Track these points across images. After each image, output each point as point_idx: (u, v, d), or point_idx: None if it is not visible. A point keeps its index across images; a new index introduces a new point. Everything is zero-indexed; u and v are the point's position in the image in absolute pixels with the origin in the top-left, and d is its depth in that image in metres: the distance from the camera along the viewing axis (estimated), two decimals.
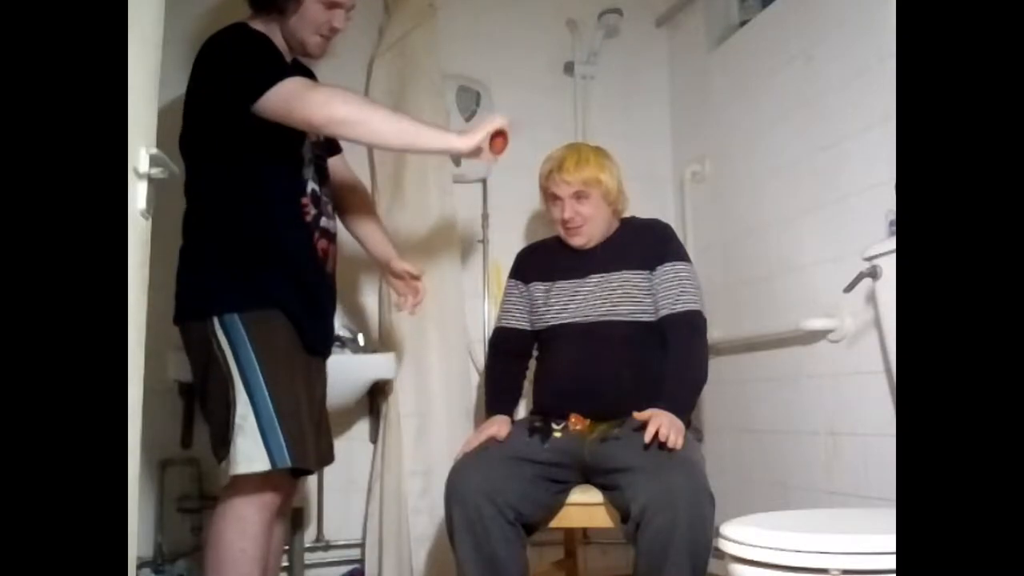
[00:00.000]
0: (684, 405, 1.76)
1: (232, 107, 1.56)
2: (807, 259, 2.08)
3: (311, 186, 1.70)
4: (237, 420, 1.51)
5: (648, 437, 1.61)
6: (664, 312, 1.89)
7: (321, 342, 1.74)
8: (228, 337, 1.55)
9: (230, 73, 1.57)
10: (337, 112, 1.52)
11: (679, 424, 1.67)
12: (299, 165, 1.68)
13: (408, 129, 1.58)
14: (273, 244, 1.61)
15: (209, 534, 1.58)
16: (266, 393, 1.52)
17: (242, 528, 1.54)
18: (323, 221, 1.71)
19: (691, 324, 1.88)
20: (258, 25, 1.68)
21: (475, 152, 1.60)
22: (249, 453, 1.50)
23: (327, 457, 1.77)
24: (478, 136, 1.58)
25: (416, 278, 1.92)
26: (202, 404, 1.67)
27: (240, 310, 1.56)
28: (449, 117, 2.44)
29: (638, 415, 1.68)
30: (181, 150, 1.66)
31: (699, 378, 1.86)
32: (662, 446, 1.61)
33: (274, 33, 1.68)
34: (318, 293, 1.71)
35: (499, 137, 1.61)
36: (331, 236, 1.75)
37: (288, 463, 1.51)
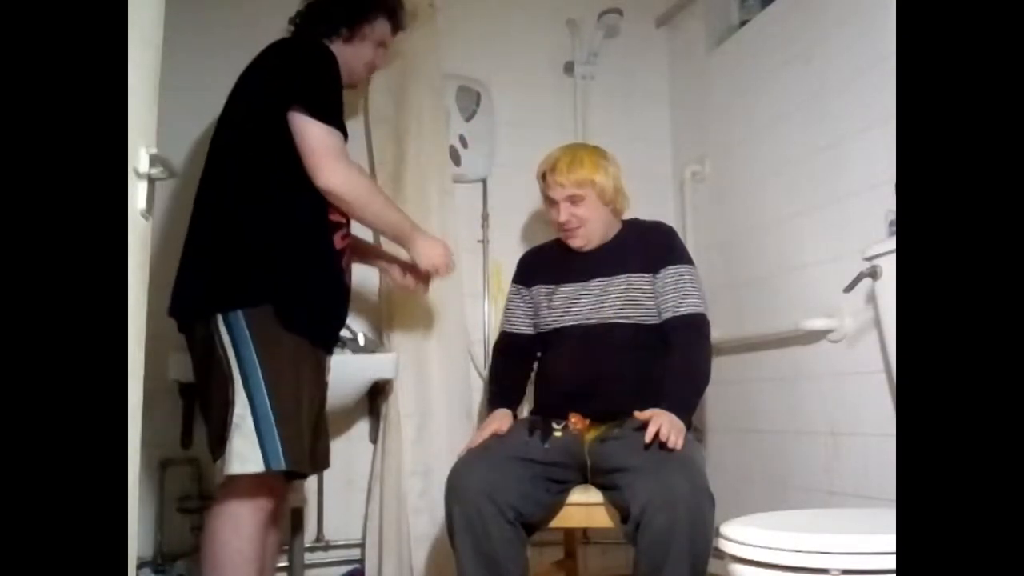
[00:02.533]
0: (685, 406, 1.76)
1: (284, 103, 1.61)
2: (807, 259, 2.08)
3: None
4: (235, 419, 1.51)
5: (649, 437, 1.61)
6: (667, 315, 1.89)
7: (333, 336, 1.77)
8: (231, 335, 1.54)
9: (303, 76, 1.64)
10: (341, 189, 1.64)
11: (680, 424, 1.67)
12: None
13: (392, 222, 1.79)
14: (297, 238, 1.63)
15: (205, 535, 1.58)
16: (265, 394, 1.52)
17: (238, 529, 1.54)
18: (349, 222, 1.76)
19: (694, 327, 1.88)
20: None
21: (421, 260, 1.84)
22: (244, 453, 1.49)
23: (323, 461, 1.77)
24: (431, 251, 1.84)
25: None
26: (202, 402, 1.67)
27: (244, 306, 1.55)
28: (449, 117, 2.44)
29: (639, 415, 1.68)
30: (217, 141, 1.68)
31: (701, 380, 1.86)
32: (663, 446, 1.61)
33: None
34: (339, 291, 1.73)
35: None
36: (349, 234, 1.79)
37: (283, 465, 1.51)
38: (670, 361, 1.83)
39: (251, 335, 1.54)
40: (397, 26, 1.95)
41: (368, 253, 2.07)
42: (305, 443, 1.59)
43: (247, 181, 1.63)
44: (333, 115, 1.64)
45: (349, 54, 1.82)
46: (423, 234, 1.85)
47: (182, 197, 2.26)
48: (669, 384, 1.79)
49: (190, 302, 1.62)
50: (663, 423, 1.63)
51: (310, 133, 1.61)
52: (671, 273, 1.91)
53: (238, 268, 1.59)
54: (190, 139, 2.21)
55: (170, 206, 2.08)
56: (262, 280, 1.58)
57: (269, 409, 1.52)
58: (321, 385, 1.74)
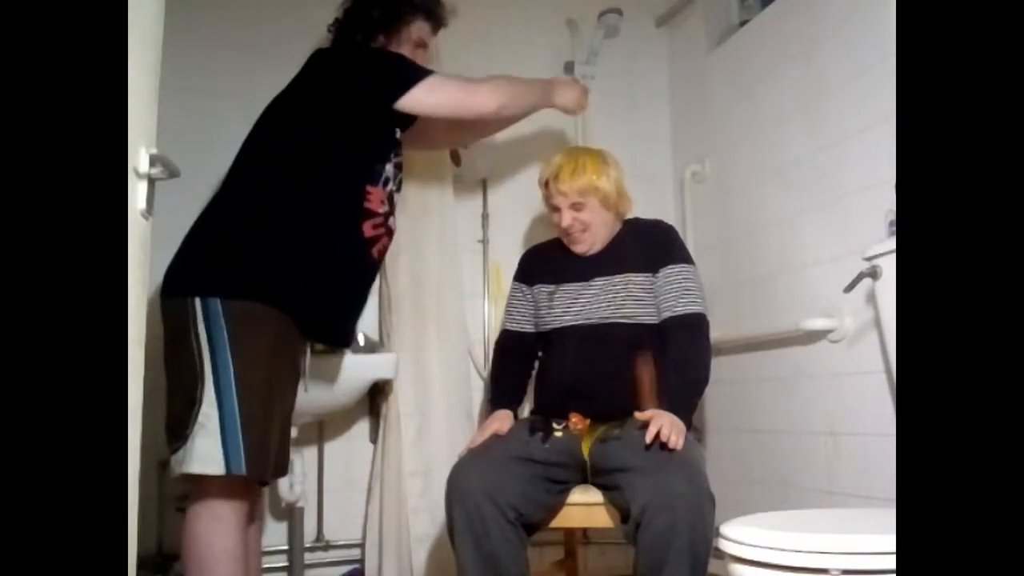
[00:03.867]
0: (685, 405, 1.76)
1: (370, 101, 1.69)
2: (807, 259, 2.08)
3: (390, 181, 1.77)
4: (200, 418, 1.47)
5: (649, 438, 1.61)
6: (667, 315, 1.89)
7: (337, 330, 1.75)
8: (207, 327, 1.50)
9: (378, 70, 1.72)
10: (490, 106, 1.84)
11: (680, 424, 1.67)
12: (382, 159, 1.75)
13: (533, 100, 2.00)
14: (316, 224, 1.63)
15: (185, 537, 1.54)
16: (235, 396, 1.49)
17: (220, 527, 1.52)
18: (391, 221, 1.77)
19: (694, 326, 1.88)
20: None
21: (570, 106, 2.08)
22: (206, 454, 1.47)
23: (282, 468, 1.69)
24: (571, 96, 2.07)
25: None
26: (167, 385, 1.58)
27: (224, 296, 1.52)
28: None
29: (639, 415, 1.68)
30: (260, 135, 1.71)
31: (701, 379, 1.86)
32: (663, 446, 1.61)
33: None
34: (359, 280, 1.74)
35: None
36: (391, 232, 1.79)
37: (243, 471, 1.48)
38: (670, 361, 1.83)
39: (228, 332, 1.50)
40: (438, 25, 1.96)
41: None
42: (271, 450, 1.56)
43: (278, 178, 1.63)
44: (417, 72, 1.73)
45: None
46: (556, 87, 2.06)
47: (182, 197, 2.27)
48: (669, 384, 1.79)
49: (170, 279, 1.58)
50: (663, 424, 1.62)
51: (427, 102, 1.72)
52: (671, 272, 1.91)
53: (226, 252, 1.57)
54: (190, 139, 2.21)
55: (170, 206, 2.08)
56: (252, 271, 1.56)
57: (237, 412, 1.48)
58: (295, 389, 1.71)
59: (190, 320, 1.51)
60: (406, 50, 1.86)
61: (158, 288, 1.55)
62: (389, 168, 1.75)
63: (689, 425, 1.76)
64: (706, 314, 1.91)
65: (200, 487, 1.53)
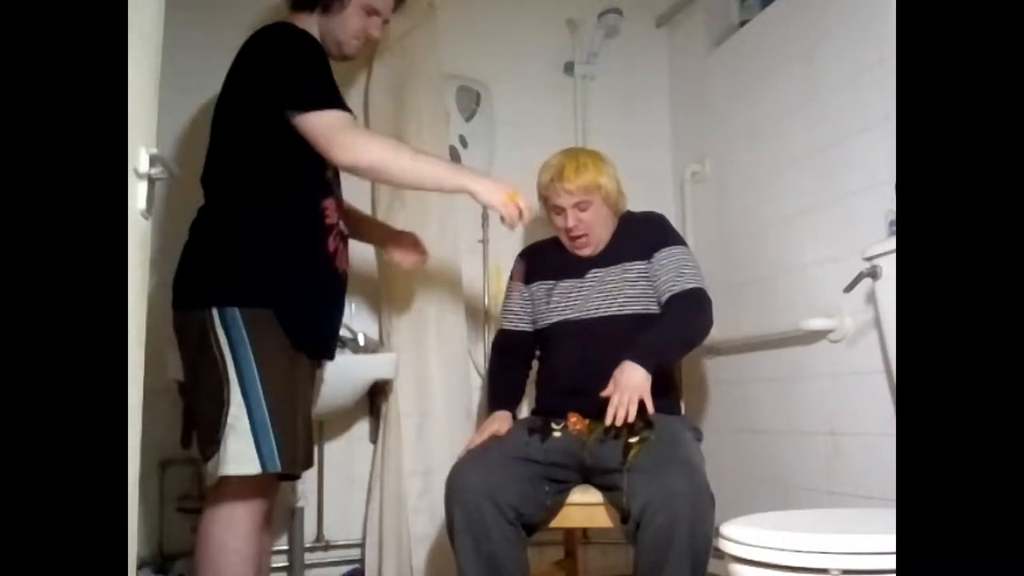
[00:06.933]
0: (651, 351, 1.72)
1: (275, 109, 1.58)
2: (807, 259, 2.08)
3: (335, 189, 1.73)
4: (229, 420, 1.49)
5: (608, 421, 1.62)
6: (666, 295, 1.88)
7: (324, 344, 1.73)
8: (227, 332, 1.52)
9: (284, 75, 1.60)
10: (359, 162, 1.61)
11: (637, 381, 1.66)
12: (324, 168, 1.69)
13: (426, 173, 1.68)
14: (294, 243, 1.61)
15: (200, 537, 1.55)
16: (261, 394, 1.50)
17: (234, 529, 1.53)
18: (341, 224, 1.73)
19: (692, 298, 1.86)
20: (300, 23, 1.70)
21: (491, 200, 1.67)
22: (240, 454, 1.48)
23: (309, 461, 1.73)
24: (494, 188, 1.68)
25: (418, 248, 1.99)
26: (191, 399, 1.63)
27: (241, 305, 1.54)
28: (449, 117, 2.44)
29: (602, 394, 1.67)
30: (212, 141, 1.67)
31: (685, 334, 1.84)
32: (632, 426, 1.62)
33: (312, 31, 1.71)
34: (334, 294, 1.71)
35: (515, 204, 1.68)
36: (345, 239, 1.76)
37: (278, 467, 1.50)
38: (660, 318, 1.83)
39: (248, 334, 1.52)
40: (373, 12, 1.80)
41: (361, 229, 2.00)
42: (299, 444, 1.58)
43: (244, 180, 1.61)
44: (324, 98, 1.60)
45: (333, 25, 1.74)
46: (475, 177, 1.71)
47: (182, 197, 2.27)
48: (646, 332, 1.77)
49: (185, 294, 1.60)
50: (620, 402, 1.63)
51: (310, 126, 1.58)
52: (665, 255, 1.91)
53: (235, 266, 1.57)
54: (190, 139, 2.21)
55: (170, 206, 2.08)
56: (260, 282, 1.57)
57: (265, 409, 1.50)
58: (312, 384, 1.73)
59: (210, 334, 1.53)
60: (354, 17, 1.74)
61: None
62: (330, 174, 1.72)
63: (658, 372, 1.72)
64: (705, 289, 1.90)
65: (219, 489, 1.53)
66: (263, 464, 1.49)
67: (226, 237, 1.60)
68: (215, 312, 1.53)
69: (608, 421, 1.61)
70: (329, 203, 1.68)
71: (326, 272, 1.67)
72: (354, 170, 1.65)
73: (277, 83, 1.59)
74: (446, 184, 1.70)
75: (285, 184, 1.62)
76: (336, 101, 1.62)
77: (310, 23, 1.72)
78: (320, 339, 1.71)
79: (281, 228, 1.60)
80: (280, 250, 1.59)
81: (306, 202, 1.64)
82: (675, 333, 1.82)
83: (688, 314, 1.85)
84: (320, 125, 1.58)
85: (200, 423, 1.56)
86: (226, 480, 1.50)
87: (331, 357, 1.78)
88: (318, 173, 1.68)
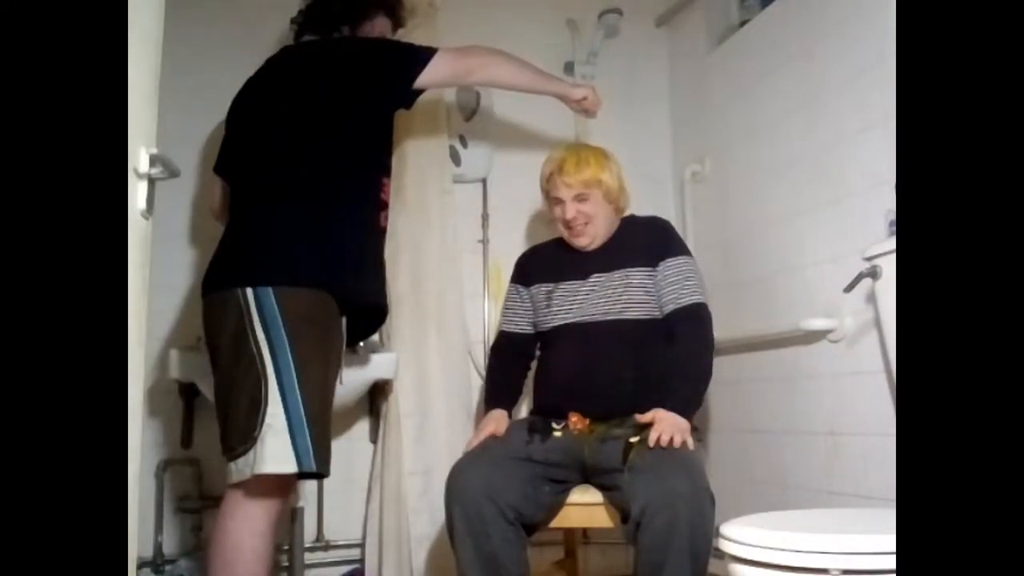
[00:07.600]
0: (688, 402, 1.77)
1: (381, 91, 1.73)
2: (807, 259, 2.08)
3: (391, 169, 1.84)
4: (267, 419, 1.49)
5: (652, 441, 1.61)
6: (669, 308, 1.89)
7: (372, 322, 1.84)
8: (261, 316, 1.52)
9: (387, 52, 1.77)
10: (491, 71, 1.92)
11: (682, 424, 1.67)
12: (391, 152, 1.82)
13: (528, 81, 2.01)
14: (358, 226, 1.69)
15: (216, 532, 1.55)
16: (298, 393, 1.51)
17: (252, 526, 1.53)
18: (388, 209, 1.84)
19: (696, 317, 1.88)
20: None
21: (579, 102, 2.10)
22: (277, 453, 1.48)
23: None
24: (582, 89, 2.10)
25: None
26: (224, 394, 1.59)
27: (276, 284, 1.54)
28: (449, 117, 2.44)
29: (641, 418, 1.68)
30: (264, 134, 1.71)
31: (704, 373, 1.86)
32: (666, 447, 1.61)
33: None
34: (379, 271, 1.79)
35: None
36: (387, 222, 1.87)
37: (313, 466, 1.51)
38: (672, 357, 1.83)
39: (285, 327, 1.52)
40: (397, 23, 1.98)
41: None
42: (330, 443, 1.59)
43: (312, 171, 1.66)
44: (426, 49, 1.78)
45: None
46: (568, 86, 2.10)
47: (182, 197, 2.27)
48: (671, 381, 1.79)
49: (216, 275, 1.62)
50: (664, 429, 1.63)
51: (432, 75, 1.77)
52: (670, 265, 1.91)
53: (278, 249, 1.59)
54: (190, 139, 2.21)
55: (170, 206, 2.09)
56: (302, 263, 1.59)
57: (301, 409, 1.51)
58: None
59: (246, 320, 1.53)
60: (385, 27, 1.93)
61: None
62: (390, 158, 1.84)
63: (692, 422, 1.76)
64: (707, 303, 1.92)
65: (242, 487, 1.53)
66: (300, 463, 1.50)
67: (272, 220, 1.62)
68: (249, 294, 1.53)
69: (652, 442, 1.62)
70: (387, 182, 1.80)
71: (377, 244, 1.76)
72: (492, 84, 1.99)
73: (381, 62, 1.73)
74: (543, 90, 2.08)
75: (353, 168, 1.70)
76: (425, 48, 1.80)
77: None
78: (375, 305, 1.77)
79: (338, 208, 1.66)
80: (335, 228, 1.64)
81: (367, 181, 1.73)
82: (700, 382, 1.85)
83: (702, 355, 1.86)
84: (448, 61, 1.79)
85: (234, 419, 1.54)
86: (258, 479, 1.50)
87: (383, 318, 1.86)
88: (385, 152, 1.81)
